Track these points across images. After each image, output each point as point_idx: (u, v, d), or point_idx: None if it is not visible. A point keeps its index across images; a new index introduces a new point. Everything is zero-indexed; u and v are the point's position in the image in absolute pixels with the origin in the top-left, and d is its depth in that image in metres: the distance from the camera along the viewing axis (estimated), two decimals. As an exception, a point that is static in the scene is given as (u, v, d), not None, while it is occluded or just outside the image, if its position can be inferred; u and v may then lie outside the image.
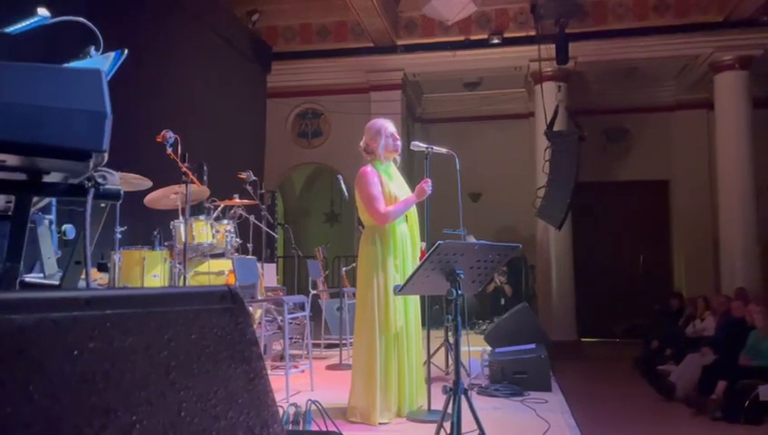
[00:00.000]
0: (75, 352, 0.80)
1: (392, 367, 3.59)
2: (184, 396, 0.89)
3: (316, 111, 11.08)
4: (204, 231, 5.27)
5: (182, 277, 4.79)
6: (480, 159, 10.74)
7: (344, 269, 6.87)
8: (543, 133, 9.27)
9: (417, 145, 4.10)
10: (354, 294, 4.11)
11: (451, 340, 3.53)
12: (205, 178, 5.49)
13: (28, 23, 1.62)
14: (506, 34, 9.88)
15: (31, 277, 1.78)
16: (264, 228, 6.51)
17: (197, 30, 8.12)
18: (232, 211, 5.97)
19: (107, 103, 1.20)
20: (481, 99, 11.78)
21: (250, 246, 6.33)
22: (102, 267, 4.58)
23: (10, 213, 1.39)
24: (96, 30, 1.60)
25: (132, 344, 0.86)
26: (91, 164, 1.24)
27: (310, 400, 3.26)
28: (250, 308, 4.90)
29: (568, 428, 3.61)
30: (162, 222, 5.53)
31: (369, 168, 3.77)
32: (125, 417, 0.81)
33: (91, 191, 1.32)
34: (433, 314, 6.33)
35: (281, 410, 3.06)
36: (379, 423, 3.50)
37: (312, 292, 6.45)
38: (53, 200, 1.79)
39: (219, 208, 5.77)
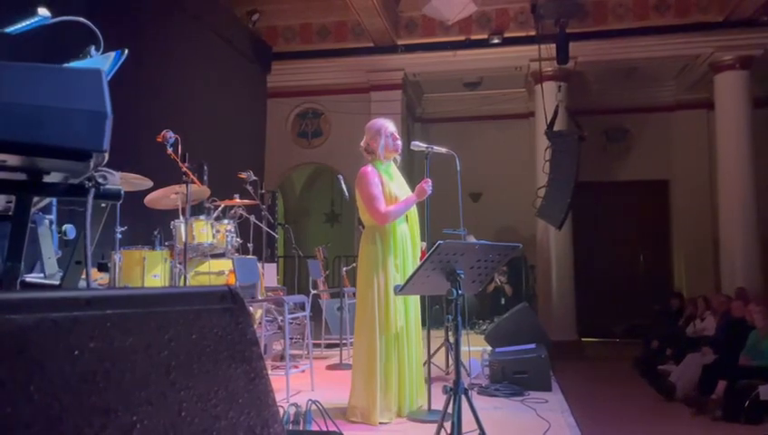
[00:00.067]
0: (76, 352, 0.80)
1: (392, 367, 3.59)
2: (184, 396, 0.89)
3: (316, 110, 11.08)
4: (204, 231, 5.27)
5: (182, 277, 4.79)
6: (480, 158, 10.74)
7: (344, 269, 6.87)
8: (544, 133, 9.26)
9: (418, 145, 4.10)
10: (354, 294, 4.11)
11: (451, 340, 3.53)
12: (205, 177, 5.49)
13: (28, 23, 1.62)
14: (507, 34, 9.88)
15: (31, 277, 1.78)
16: (265, 228, 6.51)
17: (198, 30, 8.12)
18: (232, 211, 5.97)
19: (107, 103, 1.20)
20: (481, 99, 11.78)
21: (250, 245, 6.33)
22: (103, 267, 4.58)
23: (10, 213, 1.39)
24: (96, 30, 1.61)
25: (133, 344, 0.86)
26: (92, 164, 1.24)
27: (310, 399, 3.26)
28: (250, 308, 4.90)
29: (568, 428, 3.61)
30: (162, 222, 5.53)
31: (369, 167, 3.77)
32: (125, 417, 0.81)
33: (92, 191, 1.32)
34: (433, 314, 6.33)
35: (281, 410, 3.06)
36: (380, 423, 3.51)
37: (313, 292, 6.45)
38: (54, 200, 1.79)
39: (219, 208, 5.77)
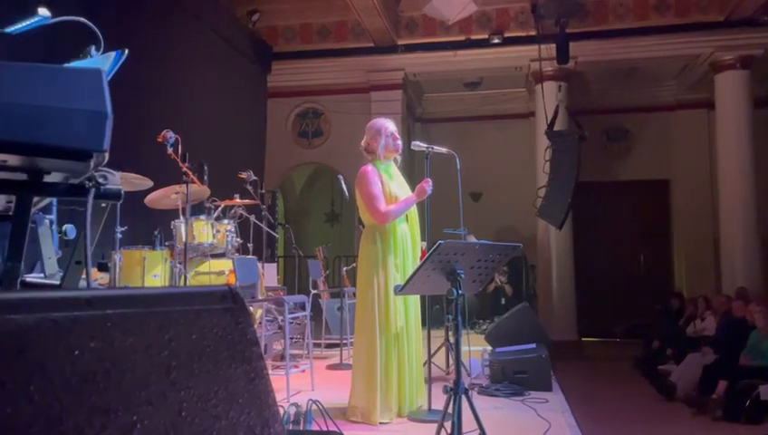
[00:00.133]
0: (76, 352, 0.80)
1: (392, 367, 3.59)
2: (184, 396, 0.89)
3: (316, 110, 11.08)
4: (204, 231, 5.27)
5: (183, 277, 4.79)
6: (481, 158, 10.74)
7: (345, 269, 6.87)
8: (544, 133, 9.26)
9: (418, 145, 4.10)
10: (355, 294, 4.11)
11: (452, 339, 3.53)
12: (205, 177, 5.49)
13: (28, 23, 1.62)
14: (507, 34, 9.87)
15: (31, 277, 1.78)
16: (265, 228, 6.51)
17: (198, 30, 8.12)
18: (232, 211, 5.98)
19: (107, 103, 1.20)
20: (481, 98, 11.77)
21: (250, 245, 6.33)
22: (103, 267, 4.58)
23: (11, 213, 1.39)
24: (96, 30, 1.60)
25: (133, 344, 0.86)
26: (92, 164, 1.24)
27: (310, 399, 3.26)
28: (251, 308, 4.90)
29: (568, 427, 3.61)
30: (163, 222, 5.53)
31: (369, 167, 3.77)
32: (126, 417, 0.81)
33: (92, 191, 1.32)
34: (433, 314, 6.33)
35: (281, 410, 3.06)
36: (380, 423, 3.51)
37: (313, 292, 6.45)
38: (54, 200, 1.79)
39: (220, 208, 5.77)
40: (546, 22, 9.37)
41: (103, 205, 1.49)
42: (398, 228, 3.72)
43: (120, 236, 4.55)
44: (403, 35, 10.23)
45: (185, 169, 4.73)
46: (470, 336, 5.57)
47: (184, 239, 4.86)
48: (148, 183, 4.66)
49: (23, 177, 1.30)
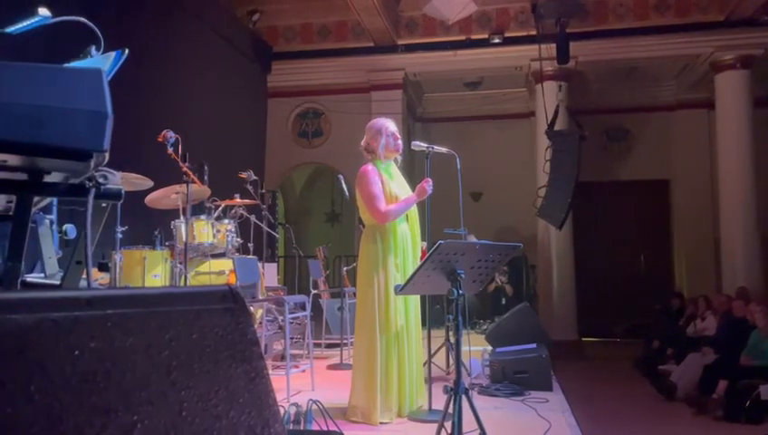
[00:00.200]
0: (76, 352, 0.80)
1: (392, 366, 3.58)
2: (185, 396, 0.89)
3: (317, 110, 11.08)
4: (205, 231, 5.27)
5: (183, 277, 4.79)
6: (481, 158, 10.74)
7: (345, 269, 6.88)
8: (544, 133, 9.26)
9: (418, 145, 4.10)
10: (355, 294, 4.11)
11: (452, 339, 3.53)
12: (205, 177, 5.49)
13: (29, 23, 1.62)
14: (507, 34, 9.88)
15: (32, 277, 1.78)
16: (265, 228, 6.51)
17: (198, 30, 8.12)
18: (233, 211, 5.98)
19: (108, 103, 1.20)
20: (482, 98, 11.77)
21: (251, 245, 6.33)
22: (103, 267, 4.58)
23: (11, 213, 1.39)
24: (96, 30, 1.60)
25: (133, 344, 0.86)
26: (92, 164, 1.24)
27: (311, 399, 3.26)
28: (251, 308, 4.90)
29: (569, 427, 3.61)
30: (163, 222, 5.53)
31: (369, 166, 3.77)
32: (126, 417, 0.81)
33: (92, 191, 1.32)
34: (434, 314, 6.33)
35: (282, 410, 3.06)
36: (380, 423, 3.50)
37: (313, 291, 6.45)
38: (54, 200, 1.79)
39: (220, 208, 5.77)
40: (546, 21, 9.37)
41: (104, 205, 1.49)
42: (398, 228, 3.72)
43: (120, 236, 4.55)
44: (403, 35, 10.24)
45: (185, 169, 4.73)
46: (470, 336, 5.57)
47: (184, 239, 4.86)
48: (149, 183, 4.66)
49: (23, 177, 1.30)
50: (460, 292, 2.66)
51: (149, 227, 5.51)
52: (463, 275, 2.67)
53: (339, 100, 10.69)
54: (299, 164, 11.46)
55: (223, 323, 0.98)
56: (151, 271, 5.01)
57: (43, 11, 1.60)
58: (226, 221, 5.56)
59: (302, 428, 3.13)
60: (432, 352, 4.39)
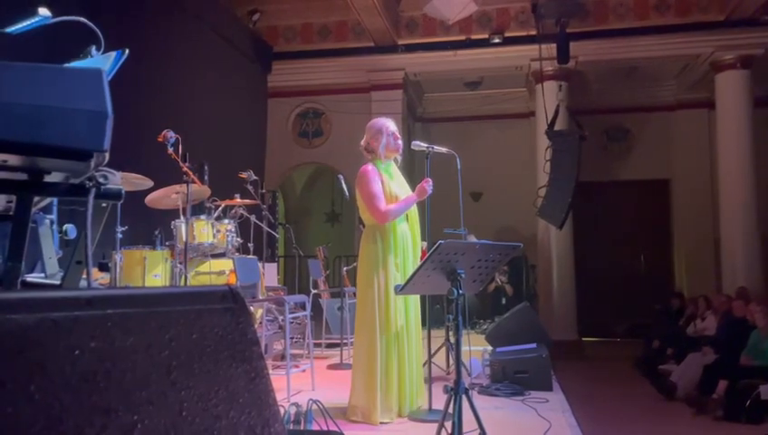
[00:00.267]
0: (76, 352, 0.80)
1: (393, 366, 3.58)
2: (185, 396, 0.89)
3: (317, 110, 11.08)
4: (205, 231, 5.27)
5: (183, 277, 4.79)
6: (481, 158, 10.74)
7: (345, 269, 6.88)
8: (544, 133, 9.26)
9: (418, 145, 4.10)
10: (355, 294, 4.11)
11: (452, 339, 3.53)
12: (206, 177, 5.49)
13: (29, 23, 1.62)
14: (507, 34, 9.88)
15: (32, 277, 1.78)
16: (265, 228, 6.51)
17: (198, 30, 8.12)
18: (233, 211, 5.98)
19: (108, 103, 1.20)
20: (482, 98, 11.77)
21: (251, 245, 6.33)
22: (104, 267, 4.58)
23: (11, 213, 1.39)
24: (97, 30, 1.61)
25: (133, 344, 0.86)
26: (93, 164, 1.24)
27: (311, 399, 3.26)
28: (251, 308, 4.90)
29: (569, 427, 3.61)
30: (163, 222, 5.53)
31: (369, 166, 3.77)
32: (126, 417, 0.81)
33: (93, 191, 1.32)
34: (434, 314, 6.33)
35: (282, 410, 3.06)
36: (381, 423, 3.50)
37: (313, 291, 6.45)
38: (55, 200, 1.79)
39: (220, 208, 5.77)
40: (546, 21, 9.37)
41: (104, 205, 1.49)
42: (398, 228, 3.72)
43: (120, 235, 4.55)
44: (403, 35, 10.24)
45: (185, 169, 4.73)
46: (470, 336, 5.57)
47: (184, 239, 4.86)
48: (149, 183, 4.66)
49: (23, 177, 1.30)
50: (460, 292, 2.66)
51: (150, 226, 5.51)
52: (463, 275, 2.67)
53: (339, 100, 10.69)
54: (299, 164, 11.46)
55: (223, 323, 0.98)
56: (151, 271, 5.01)
57: (43, 11, 1.60)
58: (227, 221, 5.56)
59: (302, 428, 3.13)
60: (432, 352, 4.39)
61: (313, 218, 13.98)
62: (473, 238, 5.58)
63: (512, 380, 4.58)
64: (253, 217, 6.37)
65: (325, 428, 3.13)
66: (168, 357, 0.89)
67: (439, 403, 3.17)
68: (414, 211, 3.85)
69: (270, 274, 7.00)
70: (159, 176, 4.82)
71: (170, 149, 4.67)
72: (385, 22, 9.26)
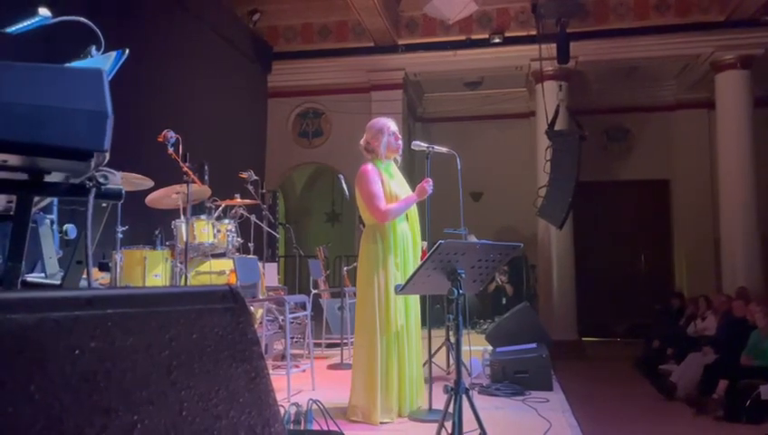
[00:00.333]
0: (76, 352, 0.80)
1: (393, 366, 3.58)
2: (185, 396, 0.89)
3: (317, 110, 11.09)
4: (205, 231, 5.27)
5: (183, 277, 4.79)
6: (481, 158, 10.74)
7: (345, 269, 6.87)
8: (544, 133, 9.26)
9: (419, 144, 4.10)
10: (355, 294, 4.11)
11: (452, 339, 3.53)
12: (206, 177, 5.49)
13: (29, 22, 1.62)
14: (507, 34, 9.88)
15: (32, 277, 1.78)
16: (266, 228, 6.51)
17: (198, 30, 8.12)
18: (233, 211, 5.98)
19: (108, 103, 1.20)
20: (482, 98, 11.77)
21: (251, 245, 6.33)
22: (104, 267, 4.58)
23: (11, 213, 1.39)
24: (97, 30, 1.61)
25: (134, 344, 0.86)
26: (93, 164, 1.24)
27: (311, 399, 3.26)
28: (251, 308, 4.90)
29: (569, 427, 3.61)
30: (163, 222, 5.53)
31: (369, 165, 3.76)
32: (126, 416, 0.81)
33: (93, 191, 1.32)
34: (434, 314, 6.33)
35: (282, 410, 3.06)
36: (381, 423, 3.50)
37: (314, 291, 6.45)
38: (55, 200, 1.79)
39: (220, 208, 5.77)
40: (547, 21, 9.37)
41: (104, 205, 1.49)
42: (398, 227, 3.72)
43: (120, 235, 4.55)
44: (403, 35, 10.24)
45: (185, 169, 4.73)
46: (471, 336, 5.57)
47: (185, 239, 4.86)
48: (149, 183, 4.66)
49: (23, 177, 1.30)
50: (460, 291, 2.66)
51: (150, 226, 5.51)
52: (463, 275, 2.67)
53: (339, 100, 10.69)
54: (299, 164, 11.46)
55: (223, 323, 0.98)
56: (152, 271, 5.01)
57: (43, 11, 1.60)
58: (227, 221, 5.56)
59: (302, 427, 3.13)
60: (432, 351, 4.39)
61: (314, 218, 13.98)
62: (473, 238, 5.58)
63: (512, 380, 4.58)
64: (253, 217, 6.37)
65: (325, 428, 3.13)
66: (168, 357, 0.89)
67: (439, 403, 3.17)
68: (414, 211, 3.85)
69: (270, 274, 7.00)
70: (160, 176, 4.82)
71: (170, 149, 4.67)
72: (385, 22, 9.26)
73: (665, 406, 6.74)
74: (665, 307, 10.27)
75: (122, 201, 1.40)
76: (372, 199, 3.65)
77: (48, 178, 1.32)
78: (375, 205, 3.64)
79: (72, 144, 1.17)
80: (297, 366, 5.18)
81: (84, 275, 1.56)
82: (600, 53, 9.86)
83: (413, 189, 3.82)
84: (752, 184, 9.43)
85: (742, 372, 6.13)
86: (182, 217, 5.07)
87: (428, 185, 3.77)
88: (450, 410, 2.59)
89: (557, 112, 9.19)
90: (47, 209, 1.78)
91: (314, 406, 3.21)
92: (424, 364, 4.05)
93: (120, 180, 1.40)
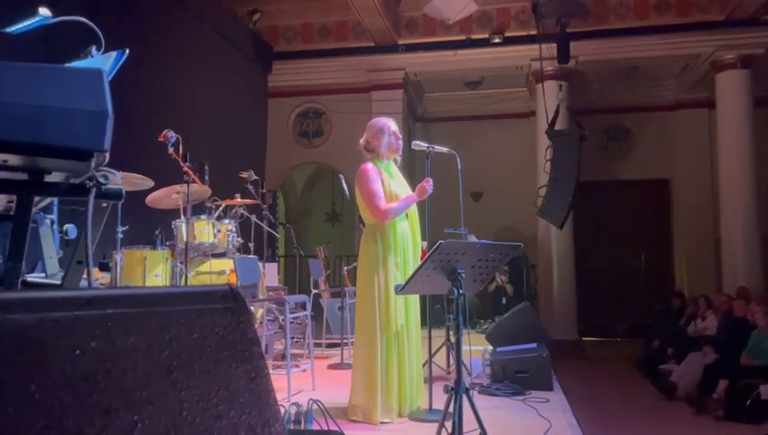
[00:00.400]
0: (77, 352, 0.80)
1: (393, 366, 3.58)
2: (185, 395, 0.89)
3: (317, 110, 11.09)
4: (205, 231, 5.27)
5: (183, 277, 4.79)
6: (481, 158, 10.74)
7: (345, 268, 6.87)
8: (545, 132, 9.26)
9: (419, 144, 4.10)
10: (355, 294, 4.11)
11: (452, 339, 3.53)
12: (206, 177, 5.49)
13: (29, 22, 1.62)
14: (507, 34, 9.88)
15: (32, 277, 1.78)
16: (266, 228, 6.51)
17: (199, 29, 8.12)
18: (233, 211, 5.97)
19: (108, 103, 1.20)
20: (482, 98, 11.78)
21: (251, 245, 6.33)
22: (104, 267, 4.59)
23: (12, 213, 1.39)
24: (97, 30, 1.61)
25: (134, 344, 0.86)
26: (93, 164, 1.24)
27: (311, 399, 3.26)
28: (251, 307, 4.90)
29: (569, 427, 3.61)
30: (164, 222, 5.53)
31: (369, 165, 3.76)
32: (126, 416, 0.81)
33: (93, 191, 1.32)
34: (434, 314, 6.33)
35: (282, 410, 3.06)
36: (381, 422, 3.50)
37: (314, 291, 6.45)
38: (55, 200, 1.79)
39: (221, 208, 5.77)
40: (547, 21, 9.37)
41: (104, 205, 1.49)
42: (398, 227, 3.72)
43: (121, 235, 4.55)
44: (404, 35, 10.24)
45: (186, 169, 4.73)
46: (471, 336, 5.56)
47: (185, 239, 4.86)
48: (149, 183, 4.66)
49: (24, 176, 1.30)
50: (460, 291, 2.66)
51: (150, 226, 5.51)
52: (463, 275, 2.67)
53: (339, 100, 10.69)
54: (299, 164, 11.46)
55: (223, 323, 0.98)
56: (152, 271, 5.01)
57: (44, 11, 1.60)
58: (227, 221, 5.56)
59: (302, 427, 3.13)
60: (432, 351, 4.39)
61: (314, 218, 13.98)
62: (473, 238, 5.58)
63: (512, 379, 4.58)
64: (253, 217, 6.37)
65: (325, 427, 3.13)
66: (168, 357, 0.89)
67: (439, 403, 3.17)
68: (414, 211, 3.85)
69: (270, 273, 7.00)
70: (160, 176, 4.82)
71: (171, 149, 4.67)
72: (385, 22, 9.26)
73: (665, 406, 6.74)
74: (665, 307, 10.27)
75: (122, 201, 1.40)
76: (372, 198, 3.65)
77: (48, 178, 1.32)
78: (375, 204, 3.64)
79: (73, 144, 1.17)
80: (297, 366, 5.18)
81: (84, 275, 1.56)
82: (600, 53, 9.86)
83: (413, 189, 3.82)
84: (752, 184, 9.43)
85: (742, 371, 6.14)
86: (182, 216, 5.07)
87: (429, 185, 3.77)
88: (450, 409, 2.59)
89: (557, 112, 9.19)
90: (47, 209, 1.78)
91: (314, 406, 3.21)
92: (424, 364, 4.05)
93: (121, 180, 1.40)
